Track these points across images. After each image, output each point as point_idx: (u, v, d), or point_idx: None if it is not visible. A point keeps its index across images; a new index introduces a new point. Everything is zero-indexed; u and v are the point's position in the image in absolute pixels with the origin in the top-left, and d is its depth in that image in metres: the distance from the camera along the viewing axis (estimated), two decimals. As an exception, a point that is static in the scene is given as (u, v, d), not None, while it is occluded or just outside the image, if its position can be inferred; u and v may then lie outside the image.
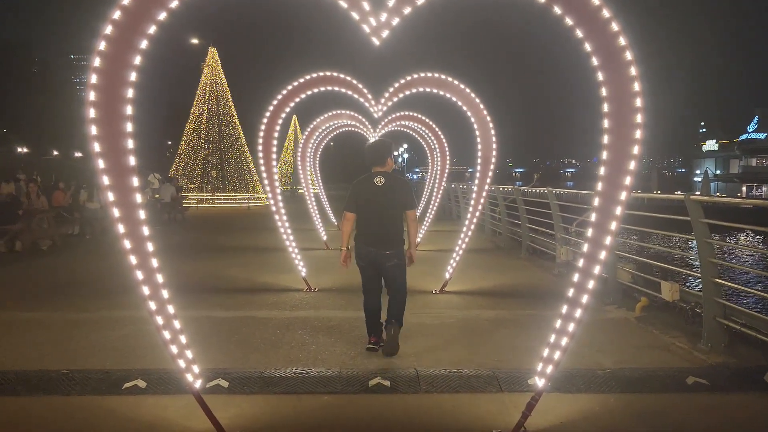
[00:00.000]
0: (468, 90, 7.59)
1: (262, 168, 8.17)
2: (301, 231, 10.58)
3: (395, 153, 6.10)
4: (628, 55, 3.30)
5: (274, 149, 8.15)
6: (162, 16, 3.25)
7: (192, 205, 27.87)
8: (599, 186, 3.46)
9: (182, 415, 4.03)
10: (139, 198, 3.34)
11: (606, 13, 3.27)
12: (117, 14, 3.10)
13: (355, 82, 8.13)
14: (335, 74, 8.00)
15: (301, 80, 7.76)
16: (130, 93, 3.19)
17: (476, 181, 8.26)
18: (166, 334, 3.55)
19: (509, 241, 13.73)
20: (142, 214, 3.34)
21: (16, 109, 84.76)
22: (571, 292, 3.61)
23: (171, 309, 3.55)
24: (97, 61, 3.10)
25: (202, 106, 32.49)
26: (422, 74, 7.70)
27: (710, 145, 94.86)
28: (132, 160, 3.25)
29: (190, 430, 3.87)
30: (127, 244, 3.31)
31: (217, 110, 32.47)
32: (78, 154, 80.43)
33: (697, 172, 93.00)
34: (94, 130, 3.12)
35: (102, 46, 3.09)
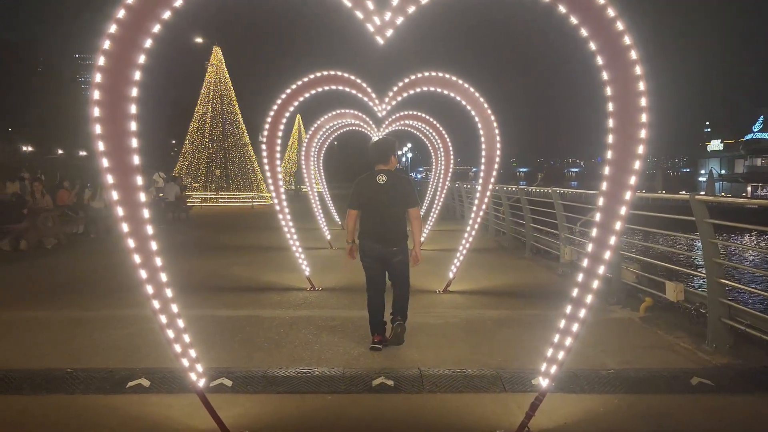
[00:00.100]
0: (472, 89, 7.57)
1: (266, 167, 8.18)
2: (304, 230, 10.60)
3: (399, 152, 6.11)
4: (633, 54, 3.28)
5: (278, 148, 8.15)
6: (166, 15, 3.25)
7: (196, 204, 27.90)
8: (604, 186, 3.45)
9: (186, 414, 4.04)
10: (143, 197, 3.34)
11: (611, 12, 3.25)
12: (121, 13, 3.10)
13: (359, 81, 8.12)
14: (339, 73, 8.00)
15: (305, 79, 7.76)
16: (134, 92, 3.18)
17: (480, 181, 8.25)
18: (170, 333, 3.55)
19: (513, 241, 13.71)
20: (146, 213, 3.34)
21: (20, 108, 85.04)
22: (575, 292, 3.59)
23: (175, 308, 3.55)
24: (101, 60, 3.09)
25: (207, 105, 32.51)
26: (426, 73, 7.69)
27: (715, 144, 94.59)
28: (136, 159, 3.24)
29: (194, 429, 3.87)
30: (131, 242, 3.31)
31: (221, 109, 32.49)
32: (82, 153, 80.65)
33: (702, 172, 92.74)
34: (98, 128, 3.12)
35: (107, 45, 3.09)
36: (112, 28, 3.09)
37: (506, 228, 14.20)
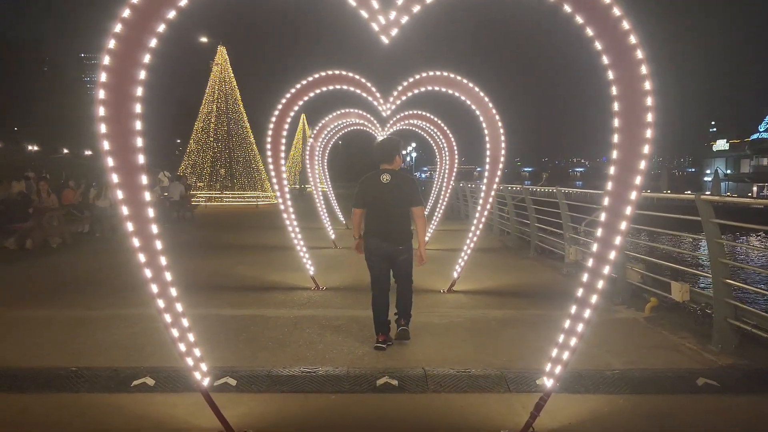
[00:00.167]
0: (477, 89, 7.56)
1: (271, 166, 8.19)
2: (309, 230, 10.61)
3: (403, 152, 6.14)
4: (639, 54, 3.27)
5: (283, 147, 8.16)
6: (171, 14, 3.26)
7: (201, 204, 27.96)
8: (609, 185, 3.43)
9: (190, 413, 4.04)
10: (147, 196, 3.35)
11: (617, 11, 3.24)
12: (127, 13, 3.10)
13: (363, 80, 8.12)
14: (344, 73, 8.00)
15: (310, 79, 7.76)
16: (139, 91, 3.19)
17: (485, 180, 8.23)
18: (175, 332, 3.56)
19: (518, 241, 13.68)
20: (150, 212, 3.35)
21: (26, 107, 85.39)
22: (580, 292, 3.58)
23: (179, 307, 3.56)
24: (106, 60, 3.10)
25: (211, 105, 32.56)
26: (431, 73, 7.68)
27: (721, 144, 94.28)
28: (141, 158, 3.25)
29: (199, 427, 3.88)
30: (135, 241, 3.32)
31: (225, 109, 32.53)
32: (88, 152, 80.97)
33: (708, 171, 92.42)
34: (103, 128, 3.12)
35: (112, 44, 3.10)
36: (118, 28, 3.10)
37: (511, 228, 14.18)
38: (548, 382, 3.75)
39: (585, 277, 3.56)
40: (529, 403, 3.94)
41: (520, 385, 4.57)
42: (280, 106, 7.84)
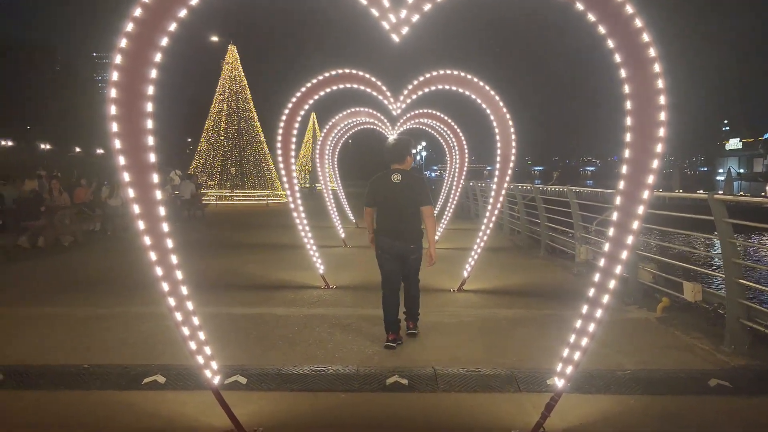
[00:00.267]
0: (487, 87, 7.53)
1: (281, 165, 8.20)
2: (319, 228, 10.62)
3: (414, 151, 6.17)
4: (652, 52, 3.24)
5: (293, 146, 8.16)
6: (182, 13, 3.26)
7: (211, 202, 28.06)
8: (621, 185, 3.41)
9: (201, 411, 4.06)
10: (159, 195, 3.36)
11: (629, 9, 3.22)
12: (138, 12, 3.11)
13: (374, 79, 8.11)
14: (354, 72, 8.00)
15: (320, 77, 7.76)
16: (151, 90, 3.20)
17: (495, 179, 8.20)
18: (185, 331, 3.57)
19: (528, 240, 13.63)
20: (162, 211, 3.36)
21: (39, 106, 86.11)
22: (591, 292, 3.56)
23: (190, 305, 3.56)
24: (118, 59, 3.11)
25: (222, 104, 32.68)
26: (441, 71, 7.65)
27: (734, 143, 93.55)
28: (152, 157, 3.26)
29: (209, 425, 3.89)
30: (147, 240, 3.33)
31: (236, 107, 32.64)
32: (100, 151, 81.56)
33: (720, 171, 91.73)
34: (115, 126, 3.13)
35: (123, 43, 3.11)
36: (129, 27, 3.10)
37: (521, 227, 14.12)
38: (559, 383, 3.73)
39: (596, 277, 3.54)
40: (539, 403, 3.92)
41: (531, 385, 4.55)
42: (290, 105, 7.85)
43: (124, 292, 7.79)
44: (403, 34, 4.05)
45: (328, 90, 7.88)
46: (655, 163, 3.31)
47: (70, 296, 7.71)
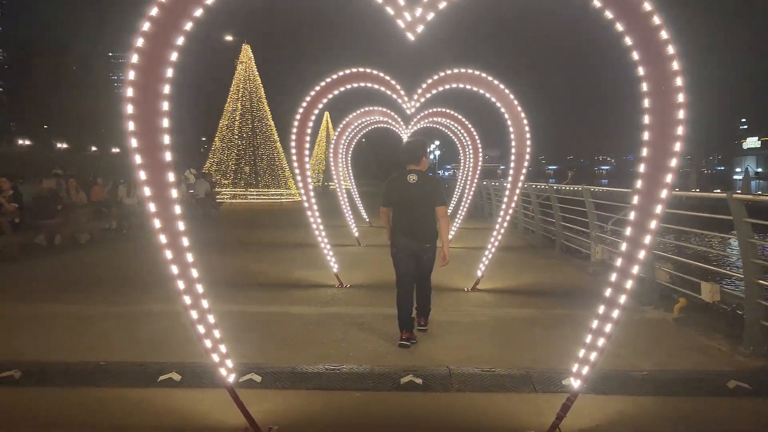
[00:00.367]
0: (502, 86, 7.50)
1: (295, 164, 8.21)
2: (332, 227, 10.61)
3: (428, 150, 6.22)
4: (671, 49, 3.20)
5: (307, 145, 8.17)
6: (198, 12, 3.27)
7: (225, 201, 28.20)
8: (639, 184, 3.37)
9: (216, 409, 4.07)
10: (175, 193, 3.37)
11: (647, 6, 3.18)
12: (154, 11, 3.12)
13: (388, 78, 8.09)
14: (368, 70, 7.98)
15: (334, 76, 7.76)
16: (167, 89, 3.21)
17: (509, 178, 8.16)
18: (201, 329, 3.58)
19: (542, 240, 13.55)
20: (178, 210, 3.37)
21: (55, 105, 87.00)
22: (608, 292, 3.53)
23: (205, 303, 3.58)
24: (134, 58, 3.13)
25: (236, 103, 32.82)
26: (455, 70, 7.61)
27: (751, 142, 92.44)
28: (168, 156, 3.27)
29: (223, 423, 3.91)
30: (163, 238, 3.34)
31: (250, 107, 32.77)
32: (115, 150, 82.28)
33: (738, 170, 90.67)
34: (131, 125, 3.15)
35: (140, 42, 3.12)
36: (146, 27, 3.12)
37: (535, 226, 14.04)
38: (575, 383, 3.70)
39: (613, 277, 3.51)
40: (555, 403, 3.89)
41: (546, 386, 4.52)
42: (304, 104, 7.86)
43: (139, 290, 7.85)
44: (419, 32, 4.04)
45: (342, 89, 7.88)
46: (674, 162, 3.28)
47: (87, 294, 7.77)
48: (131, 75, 3.14)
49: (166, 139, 3.25)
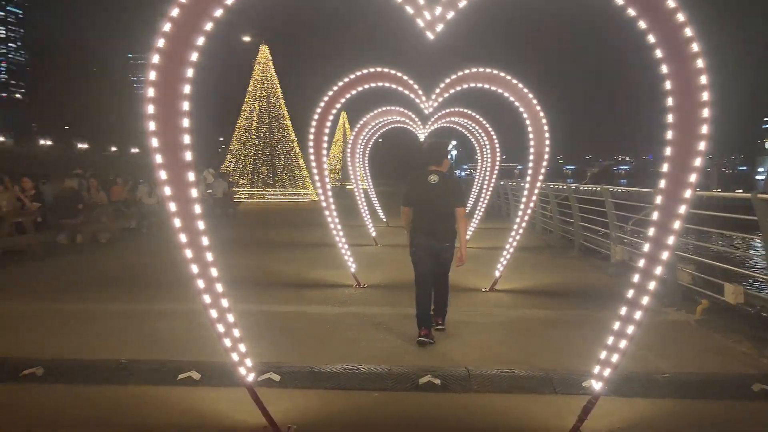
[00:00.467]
0: (520, 85, 7.44)
1: (313, 164, 8.22)
2: (349, 227, 10.62)
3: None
4: (695, 47, 3.15)
5: (325, 145, 8.18)
6: (218, 13, 3.28)
7: (242, 201, 28.36)
8: (662, 183, 3.32)
9: (234, 408, 4.08)
10: (195, 193, 3.38)
11: (671, 3, 3.13)
12: (175, 11, 3.14)
13: (405, 78, 8.07)
14: (386, 70, 7.96)
15: (352, 76, 7.76)
16: (187, 89, 3.23)
17: (528, 178, 8.11)
18: (220, 328, 3.59)
19: (560, 240, 13.46)
20: (197, 209, 3.38)
21: (76, 106, 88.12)
22: (630, 293, 3.48)
23: (225, 303, 3.59)
24: (155, 58, 3.14)
25: (254, 103, 33.02)
26: (474, 69, 7.58)
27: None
28: (188, 156, 3.29)
29: (242, 422, 3.92)
30: (183, 238, 3.36)
31: (267, 107, 32.94)
32: (134, 150, 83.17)
33: (760, 170, 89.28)
34: (152, 125, 3.16)
35: (160, 43, 3.13)
36: (167, 27, 3.13)
37: (553, 226, 13.94)
38: (596, 385, 3.65)
39: (636, 278, 3.46)
40: (575, 405, 3.85)
41: (566, 387, 4.47)
42: (322, 104, 7.86)
43: (159, 289, 7.91)
44: (438, 31, 4.02)
45: (359, 89, 7.88)
46: (698, 162, 3.22)
47: (108, 292, 7.85)
48: (152, 75, 3.16)
49: (187, 139, 3.26)
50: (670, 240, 3.34)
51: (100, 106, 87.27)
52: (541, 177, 7.94)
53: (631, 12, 3.28)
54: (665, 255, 3.36)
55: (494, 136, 14.07)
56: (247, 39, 35.82)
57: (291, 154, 33.24)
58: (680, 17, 3.15)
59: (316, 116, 7.92)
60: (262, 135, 32.79)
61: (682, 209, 3.28)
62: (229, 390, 4.33)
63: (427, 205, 5.71)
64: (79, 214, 12.76)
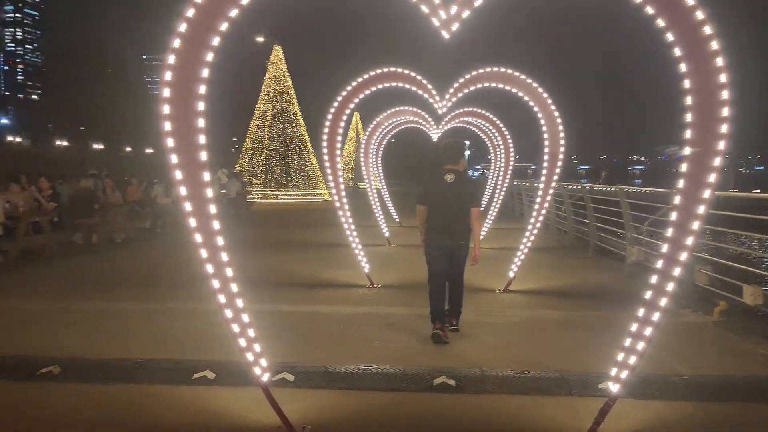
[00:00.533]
0: (535, 84, 7.40)
1: (327, 164, 8.22)
2: (362, 227, 10.63)
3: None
4: (715, 45, 3.11)
5: (339, 145, 8.18)
6: (234, 13, 3.29)
7: (256, 201, 28.46)
8: (681, 183, 3.28)
9: (249, 408, 4.09)
10: (210, 192, 3.39)
11: (690, 1, 3.09)
12: (191, 12, 3.14)
13: (419, 77, 8.05)
14: (400, 70, 7.95)
15: (366, 76, 7.76)
16: (202, 89, 3.23)
17: (542, 178, 8.06)
18: (235, 327, 3.59)
19: (575, 240, 13.36)
20: (213, 209, 3.39)
21: (92, 107, 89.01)
22: (648, 295, 3.44)
23: (240, 302, 3.59)
24: (171, 59, 3.15)
25: (267, 104, 33.13)
26: (488, 69, 7.55)
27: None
28: (204, 156, 3.29)
29: (257, 422, 3.92)
30: (198, 237, 3.36)
31: (281, 107, 33.03)
32: (149, 151, 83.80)
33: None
34: (168, 126, 3.17)
35: (176, 43, 3.14)
36: (182, 27, 3.14)
37: (568, 227, 13.85)
38: (614, 387, 3.62)
39: (654, 279, 3.41)
40: (591, 407, 3.81)
41: (583, 389, 4.43)
42: (335, 104, 7.87)
43: (174, 288, 7.95)
44: (453, 30, 4.00)
45: (373, 88, 7.87)
46: (717, 161, 3.18)
47: (123, 291, 7.90)
48: (168, 75, 3.16)
49: (202, 139, 3.27)
50: (689, 241, 3.29)
51: (115, 107, 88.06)
52: (555, 177, 7.89)
53: (650, 10, 3.24)
54: (684, 256, 3.32)
55: (508, 136, 14.01)
56: (260, 40, 35.96)
57: (304, 154, 33.32)
58: (699, 15, 3.11)
59: (329, 116, 7.93)
60: (275, 135, 32.89)
61: (702, 209, 3.23)
62: (243, 390, 4.33)
63: (442, 204, 5.75)
64: (95, 214, 12.85)
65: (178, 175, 3.26)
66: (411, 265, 9.25)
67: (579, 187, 13.86)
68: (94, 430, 3.89)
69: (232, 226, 16.92)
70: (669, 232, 3.37)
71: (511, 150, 14.17)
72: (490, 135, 15.46)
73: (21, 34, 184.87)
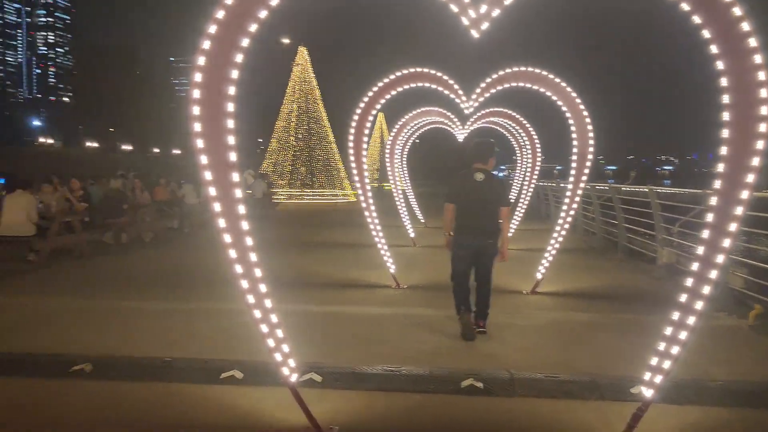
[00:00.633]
0: (563, 84, 7.31)
1: (353, 165, 8.22)
2: (388, 228, 10.61)
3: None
4: (753, 42, 3.03)
5: (365, 146, 8.18)
6: (263, 14, 3.29)
7: (281, 201, 28.62)
8: (717, 184, 3.20)
9: (277, 407, 4.10)
10: (239, 193, 3.40)
11: (728, -3, 3.02)
12: (220, 13, 3.16)
13: (445, 77, 8.00)
14: (426, 70, 7.91)
15: (392, 77, 7.73)
16: (232, 90, 3.24)
17: (570, 179, 7.95)
18: (264, 328, 3.60)
19: (603, 242, 13.17)
20: (242, 209, 3.40)
21: (120, 109, 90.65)
22: (683, 298, 3.36)
23: (269, 303, 3.60)
24: (201, 60, 3.17)
25: (292, 105, 33.29)
26: (515, 68, 7.47)
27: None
28: (234, 156, 3.30)
29: (284, 421, 3.93)
30: (227, 238, 3.38)
31: (306, 108, 33.17)
32: (176, 151, 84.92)
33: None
34: (198, 126, 3.19)
35: (206, 45, 3.16)
36: (212, 29, 3.15)
37: (596, 228, 13.67)
38: (647, 392, 3.54)
39: (689, 282, 3.33)
40: (623, 412, 3.74)
41: (614, 393, 4.34)
42: (362, 105, 7.87)
43: (201, 288, 8.02)
44: (483, 29, 3.96)
45: (400, 89, 7.85)
46: (756, 161, 3.09)
47: (152, 290, 8.00)
48: (197, 77, 3.18)
49: (232, 140, 3.28)
50: (726, 243, 3.21)
51: (142, 109, 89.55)
52: (584, 177, 7.78)
53: (685, 7, 3.18)
54: (720, 258, 3.24)
55: (535, 137, 13.88)
56: (286, 41, 36.16)
57: (329, 155, 33.39)
58: (737, 11, 3.04)
59: (356, 116, 7.93)
60: (300, 136, 33.03)
61: (739, 210, 3.15)
62: (271, 389, 4.34)
63: (472, 203, 5.78)
64: (125, 214, 13.05)
65: (208, 175, 3.28)
66: (436, 266, 9.18)
67: (608, 187, 13.65)
68: (123, 427, 3.93)
69: (259, 227, 17.03)
70: (705, 233, 3.29)
71: (538, 150, 14.02)
72: (516, 135, 15.34)
73: (53, 37, 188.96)
